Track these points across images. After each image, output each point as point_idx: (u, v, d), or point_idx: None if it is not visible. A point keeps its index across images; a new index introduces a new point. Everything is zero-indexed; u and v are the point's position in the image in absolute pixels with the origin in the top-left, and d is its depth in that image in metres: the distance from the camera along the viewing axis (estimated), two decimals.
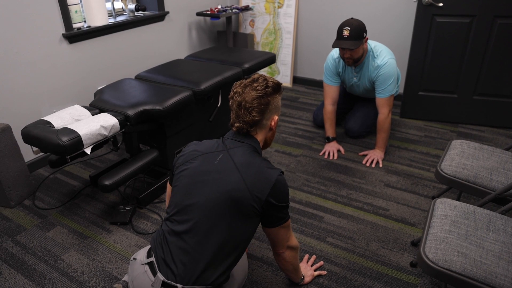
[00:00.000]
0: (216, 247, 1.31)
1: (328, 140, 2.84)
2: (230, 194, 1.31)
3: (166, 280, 1.31)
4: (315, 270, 1.82)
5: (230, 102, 1.44)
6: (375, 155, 2.69)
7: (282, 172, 1.41)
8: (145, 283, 1.36)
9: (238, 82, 1.44)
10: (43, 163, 2.75)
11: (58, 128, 1.95)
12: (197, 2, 3.69)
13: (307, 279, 1.75)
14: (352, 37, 2.37)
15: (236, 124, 1.42)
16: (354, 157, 2.76)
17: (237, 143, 1.42)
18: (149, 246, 1.47)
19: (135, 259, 1.45)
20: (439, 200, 1.57)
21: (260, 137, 1.46)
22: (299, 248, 1.60)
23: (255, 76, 1.44)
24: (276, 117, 1.47)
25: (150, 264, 1.38)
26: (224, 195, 1.31)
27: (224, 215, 1.31)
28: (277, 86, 1.43)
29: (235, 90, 1.42)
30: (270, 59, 3.03)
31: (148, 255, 1.42)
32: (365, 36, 2.43)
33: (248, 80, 1.43)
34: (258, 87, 1.38)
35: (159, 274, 1.33)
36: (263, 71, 4.18)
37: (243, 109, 1.38)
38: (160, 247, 1.37)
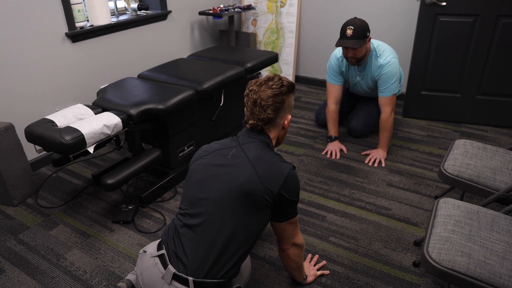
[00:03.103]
0: (227, 240, 1.32)
1: (331, 139, 2.84)
2: (243, 187, 1.32)
3: (177, 272, 1.32)
4: (317, 270, 1.82)
5: (245, 100, 1.46)
6: (377, 155, 2.69)
7: (294, 167, 1.42)
8: (155, 275, 1.37)
9: (253, 81, 1.46)
10: (46, 162, 2.76)
11: (61, 127, 1.96)
12: (199, 1, 3.69)
13: (310, 278, 1.75)
14: (355, 36, 2.37)
15: (251, 121, 1.44)
16: (357, 156, 2.76)
17: (250, 139, 1.44)
18: (159, 240, 1.48)
19: (145, 251, 1.47)
20: (442, 200, 1.56)
21: (273, 134, 1.48)
22: (304, 247, 1.60)
23: (270, 75, 1.47)
24: (289, 116, 1.50)
25: (160, 257, 1.39)
26: (236, 188, 1.32)
27: (236, 208, 1.32)
28: (292, 86, 1.46)
29: (250, 88, 1.44)
30: (272, 59, 3.03)
31: (159, 248, 1.43)
32: (368, 36, 2.42)
33: (263, 78, 1.45)
34: (273, 86, 1.41)
35: (170, 266, 1.33)
36: (266, 71, 4.18)
37: (258, 106, 1.40)
38: (172, 241, 1.38)
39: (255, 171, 1.34)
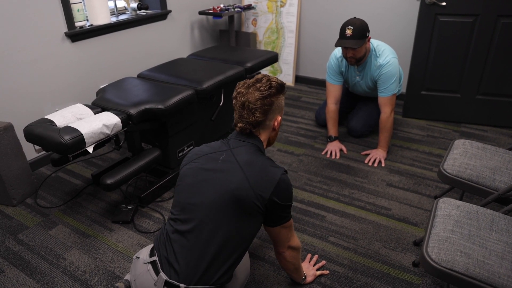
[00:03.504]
0: (219, 246, 1.31)
1: (331, 139, 2.84)
2: (234, 193, 1.30)
3: (168, 279, 1.31)
4: (317, 270, 1.81)
5: (233, 102, 1.43)
6: (377, 155, 2.68)
7: (286, 171, 1.40)
8: (148, 282, 1.36)
9: (241, 82, 1.43)
10: (45, 161, 2.75)
11: (60, 126, 1.96)
12: (199, 1, 3.69)
13: (309, 278, 1.75)
14: (355, 36, 2.37)
15: (239, 125, 1.41)
16: (357, 156, 2.76)
17: (240, 142, 1.42)
18: (152, 245, 1.47)
19: (138, 257, 1.45)
20: (441, 200, 1.56)
21: (263, 137, 1.46)
22: (301, 249, 1.60)
23: (259, 76, 1.43)
24: (279, 118, 1.47)
25: (152, 263, 1.38)
26: (227, 193, 1.31)
27: (227, 214, 1.31)
28: (281, 87, 1.43)
29: (238, 90, 1.41)
30: (272, 58, 3.03)
31: (151, 254, 1.42)
32: (368, 36, 2.42)
33: (252, 80, 1.42)
34: (261, 88, 1.37)
35: (162, 274, 1.32)
36: (266, 70, 4.18)
37: (246, 109, 1.38)
38: (164, 247, 1.37)
39: (245, 176, 1.32)
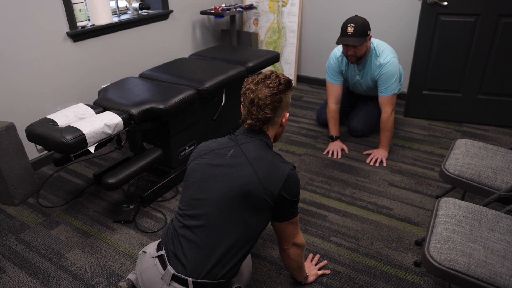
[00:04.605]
0: (228, 241, 1.31)
1: (332, 139, 2.84)
2: (243, 188, 1.31)
3: (176, 273, 1.31)
4: (318, 269, 1.82)
5: (241, 99, 1.43)
6: (379, 154, 2.68)
7: (294, 167, 1.41)
8: (155, 276, 1.36)
9: (250, 78, 1.43)
10: (47, 161, 2.76)
11: (62, 126, 1.96)
12: (201, 1, 3.69)
13: (311, 278, 1.75)
14: (356, 34, 2.36)
15: (248, 121, 1.42)
16: (358, 156, 2.76)
17: (249, 138, 1.43)
18: (158, 240, 1.48)
19: (144, 252, 1.46)
20: (443, 200, 1.56)
21: (271, 133, 1.47)
22: (305, 247, 1.60)
23: (267, 72, 1.43)
24: (287, 114, 1.48)
25: (159, 257, 1.39)
26: (236, 189, 1.31)
27: (236, 209, 1.32)
28: (289, 83, 1.44)
29: (247, 86, 1.41)
30: (274, 58, 3.03)
31: (158, 248, 1.42)
32: (369, 34, 2.42)
33: (260, 76, 1.42)
34: (271, 84, 1.38)
35: (169, 267, 1.33)
36: (267, 70, 4.17)
37: (255, 106, 1.38)
38: (171, 241, 1.38)
39: (255, 172, 1.32)
